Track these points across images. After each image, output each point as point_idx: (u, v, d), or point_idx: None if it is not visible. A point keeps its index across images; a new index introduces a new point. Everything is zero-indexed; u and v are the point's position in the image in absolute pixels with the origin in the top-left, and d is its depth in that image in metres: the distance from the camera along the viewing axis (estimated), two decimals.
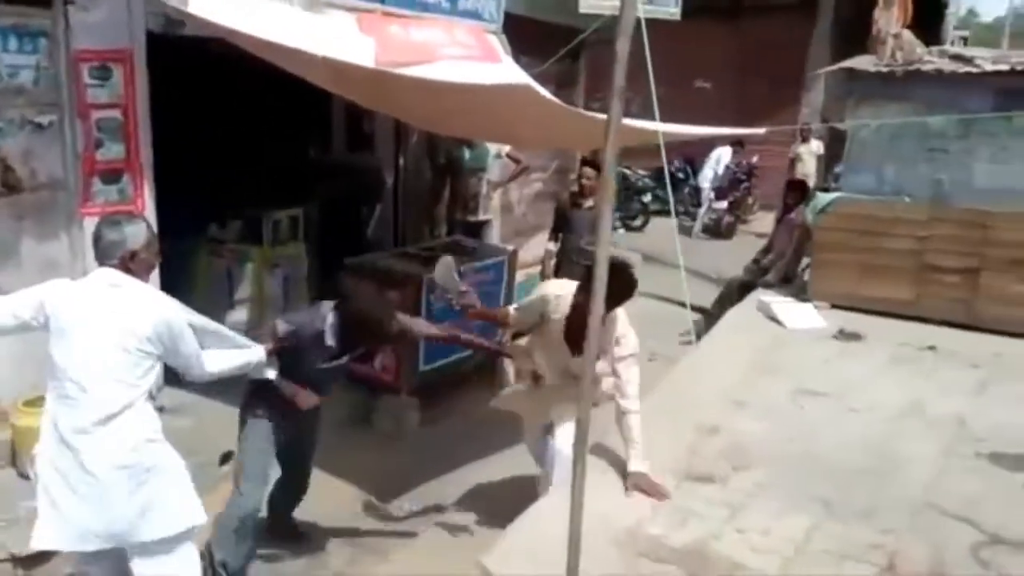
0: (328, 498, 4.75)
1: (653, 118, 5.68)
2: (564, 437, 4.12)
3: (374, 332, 3.84)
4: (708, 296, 9.00)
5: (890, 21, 6.98)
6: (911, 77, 6.79)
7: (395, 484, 5.18)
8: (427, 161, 7.71)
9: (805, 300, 7.11)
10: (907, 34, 7.04)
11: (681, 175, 14.33)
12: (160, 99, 5.05)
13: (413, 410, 5.93)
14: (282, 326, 3.80)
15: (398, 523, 4.87)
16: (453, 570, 3.43)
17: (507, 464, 5.43)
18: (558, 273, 6.49)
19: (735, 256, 8.67)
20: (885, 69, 6.80)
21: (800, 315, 6.76)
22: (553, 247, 6.61)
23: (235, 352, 3.47)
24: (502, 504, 4.94)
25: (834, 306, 7.00)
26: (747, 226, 13.62)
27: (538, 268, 7.26)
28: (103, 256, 3.10)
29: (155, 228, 4.85)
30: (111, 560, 3.25)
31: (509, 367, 7.06)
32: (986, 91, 6.60)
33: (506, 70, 5.57)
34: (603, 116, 4.58)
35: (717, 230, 13.30)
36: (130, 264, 3.10)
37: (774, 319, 6.73)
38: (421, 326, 4.31)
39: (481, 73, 5.28)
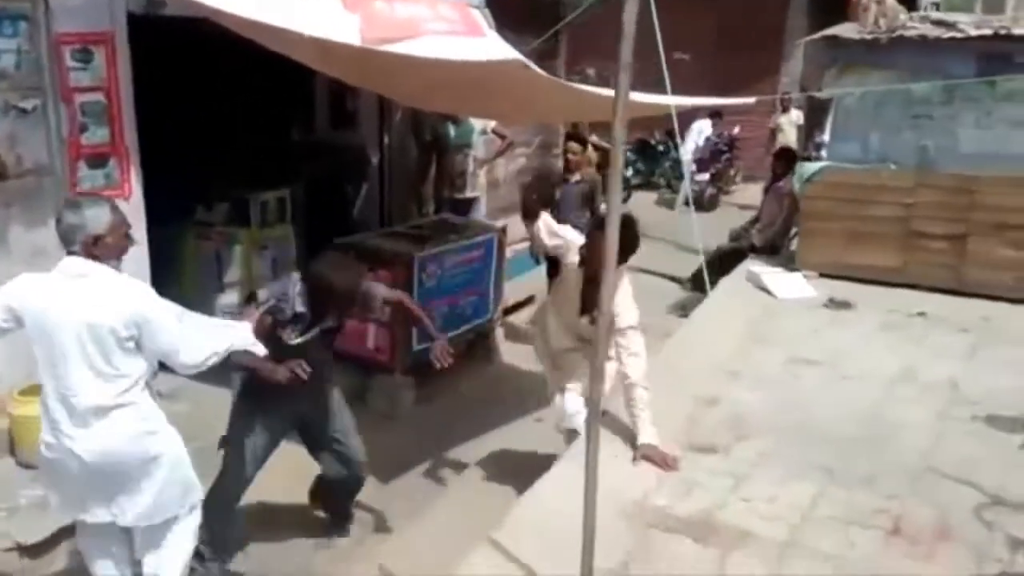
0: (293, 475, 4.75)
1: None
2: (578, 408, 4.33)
3: (339, 297, 3.72)
4: (692, 268, 9.04)
5: None
6: (895, 44, 6.78)
7: (392, 463, 5.18)
8: (412, 139, 7.64)
9: (794, 270, 7.15)
10: (890, 0, 7.04)
11: (662, 148, 14.32)
12: (142, 81, 4.96)
13: (408, 389, 5.92)
14: (263, 295, 3.79)
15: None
16: (462, 545, 3.42)
17: (504, 441, 5.45)
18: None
19: (718, 228, 8.69)
20: (869, 36, 6.80)
21: (790, 285, 6.81)
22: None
23: (219, 336, 3.27)
24: (505, 479, 4.99)
25: (822, 275, 7.06)
26: (729, 197, 13.65)
27: (525, 245, 7.24)
28: (65, 242, 2.99)
29: (143, 212, 4.90)
30: (111, 535, 3.29)
31: (501, 345, 7.09)
32: (969, 56, 6.62)
33: (491, 44, 5.51)
34: (594, 89, 4.61)
35: (700, 202, 13.27)
36: (93, 249, 2.98)
37: (764, 289, 6.77)
38: (380, 289, 4.12)
39: (466, 48, 5.21)
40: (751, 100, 6.02)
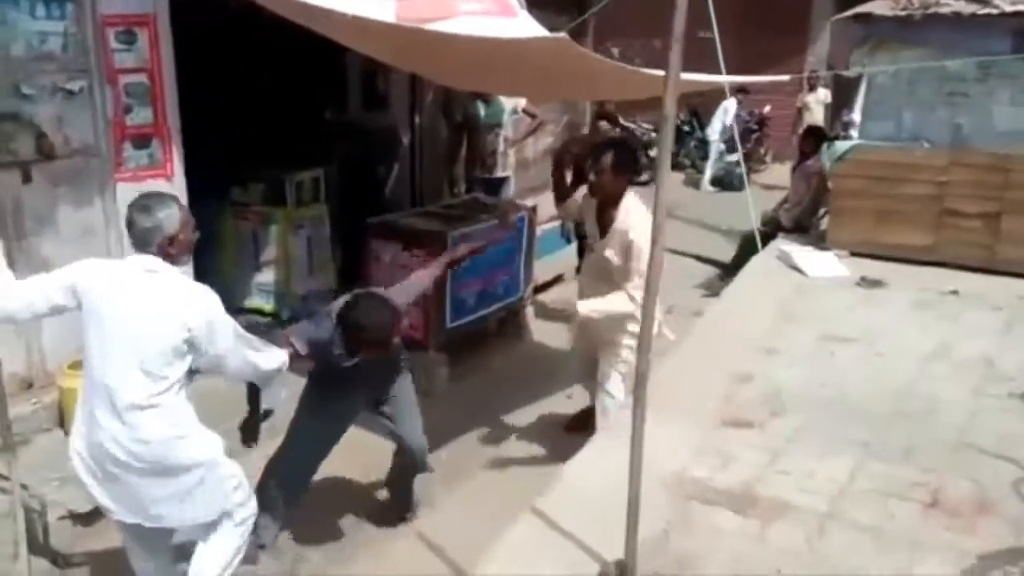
0: (366, 454, 4.82)
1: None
2: (608, 381, 4.54)
3: (374, 342, 3.62)
4: (720, 249, 9.06)
5: None
6: (928, 20, 6.75)
7: (429, 438, 5.25)
8: (443, 119, 7.69)
9: (824, 249, 7.15)
10: None
11: (687, 128, 14.27)
12: (181, 63, 5.04)
13: (443, 366, 5.99)
14: (298, 343, 3.61)
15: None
16: (501, 517, 3.49)
17: (539, 416, 5.52)
18: (578, 229, 6.53)
19: (746, 209, 8.71)
20: (903, 13, 6.77)
21: (821, 263, 6.81)
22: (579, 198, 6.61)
23: (265, 354, 3.27)
24: (540, 453, 5.07)
25: (853, 253, 7.05)
26: (757, 176, 13.54)
27: (556, 224, 7.29)
28: (140, 244, 2.96)
29: (185, 192, 4.98)
30: (151, 537, 3.25)
31: (532, 323, 7.15)
32: (1004, 33, 6.58)
33: (523, 24, 5.54)
34: (640, 69, 4.63)
35: (727, 182, 13.20)
36: (170, 249, 2.97)
37: (795, 268, 6.77)
38: (421, 285, 4.16)
39: (499, 28, 5.25)
40: (785, 77, 6.04)
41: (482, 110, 7.31)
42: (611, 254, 4.39)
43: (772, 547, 3.18)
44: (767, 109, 14.33)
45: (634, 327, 4.29)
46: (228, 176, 6.31)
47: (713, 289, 7.75)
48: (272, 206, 6.24)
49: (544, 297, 7.53)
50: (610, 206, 4.47)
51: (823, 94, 13.07)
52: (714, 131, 13.53)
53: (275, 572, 3.92)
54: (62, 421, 4.53)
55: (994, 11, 6.54)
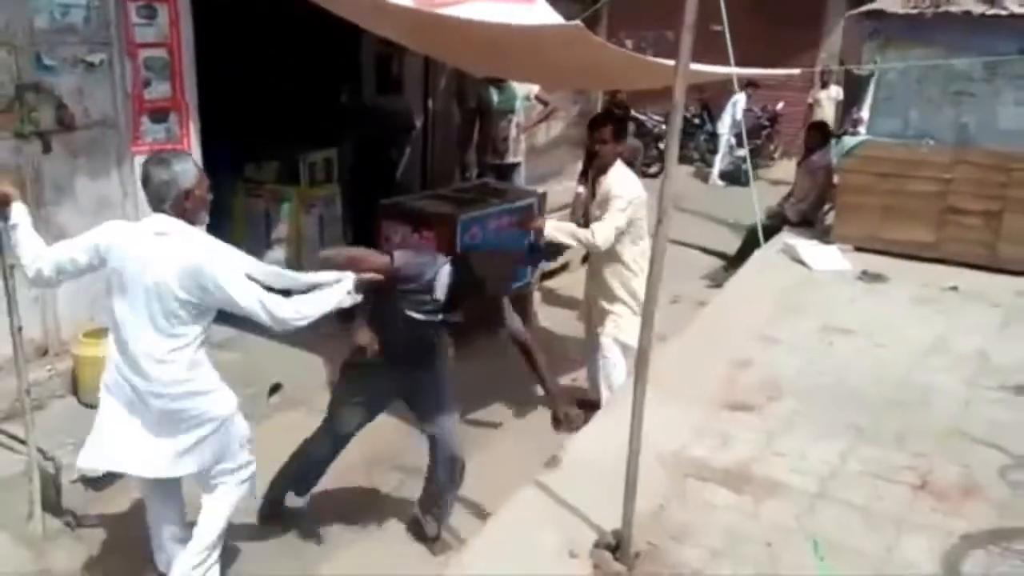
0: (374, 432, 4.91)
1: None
2: (608, 348, 4.85)
3: (484, 300, 3.59)
4: (726, 242, 9.14)
5: None
6: (938, 19, 6.78)
7: None
8: (456, 104, 7.78)
9: (829, 243, 7.24)
10: None
11: (697, 121, 14.30)
12: (199, 39, 5.13)
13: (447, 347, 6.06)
14: (400, 258, 3.52)
15: None
16: (507, 490, 3.58)
17: (542, 400, 5.60)
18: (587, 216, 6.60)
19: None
20: (914, 11, 6.81)
21: (825, 257, 6.90)
22: (583, 190, 6.69)
23: (318, 295, 3.22)
24: (545, 434, 5.13)
25: (857, 248, 7.13)
26: (766, 172, 13.59)
27: (565, 212, 7.36)
28: (156, 200, 3.02)
29: (201, 167, 5.07)
30: (165, 491, 3.40)
31: (538, 309, 7.24)
32: (1013, 34, 6.61)
33: (540, 11, 5.61)
34: (650, 59, 4.71)
35: (736, 177, 13.23)
36: (185, 204, 3.02)
37: (799, 261, 6.86)
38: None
39: (516, 14, 5.33)
40: (795, 71, 6.11)
41: (495, 96, 7.39)
42: (599, 213, 4.68)
43: (763, 522, 3.29)
44: (780, 106, 14.35)
45: (624, 295, 4.78)
46: (242, 153, 6.40)
47: (718, 280, 7.84)
48: (285, 184, 6.34)
49: (551, 284, 7.62)
50: (602, 175, 4.74)
51: (835, 91, 13.09)
52: (724, 125, 13.54)
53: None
54: (76, 388, 4.63)
55: (1003, 12, 6.58)
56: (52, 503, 3.92)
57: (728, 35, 5.80)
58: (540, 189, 7.29)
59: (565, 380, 5.80)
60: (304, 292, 3.26)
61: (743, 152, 13.10)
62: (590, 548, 3.07)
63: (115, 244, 3.01)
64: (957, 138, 6.88)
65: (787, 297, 6.04)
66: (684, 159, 14.18)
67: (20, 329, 3.62)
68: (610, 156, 4.72)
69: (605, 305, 4.89)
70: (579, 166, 6.57)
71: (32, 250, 3.08)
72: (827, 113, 12.60)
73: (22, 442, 3.94)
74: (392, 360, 3.64)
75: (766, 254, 7.19)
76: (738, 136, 13.21)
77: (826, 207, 7.98)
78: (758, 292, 6.19)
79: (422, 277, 3.53)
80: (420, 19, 4.53)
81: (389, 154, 7.65)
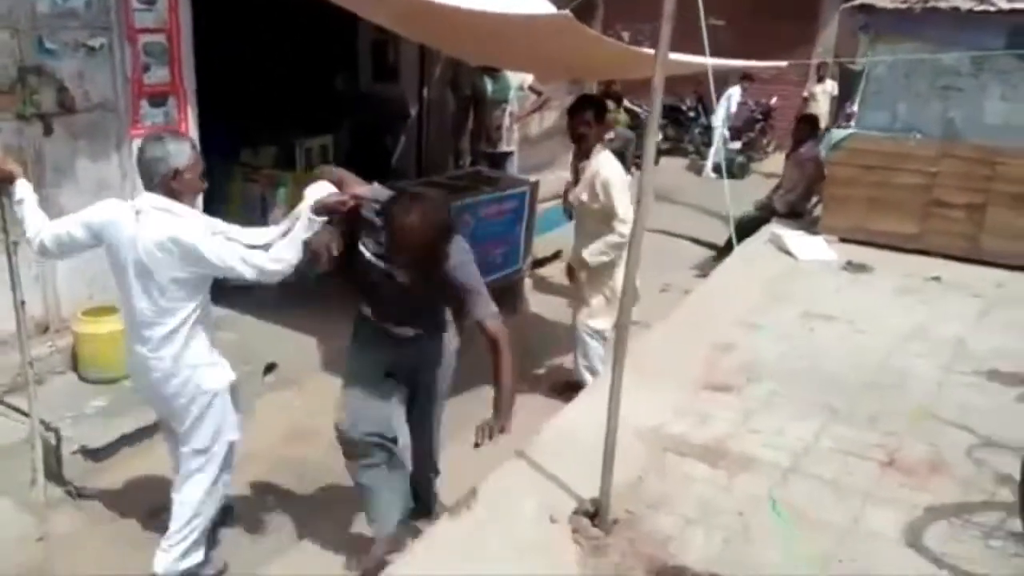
0: None
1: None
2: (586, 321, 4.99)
3: (406, 252, 3.01)
4: (717, 233, 9.24)
5: None
6: (927, 14, 6.90)
7: None
8: (451, 93, 7.88)
9: (815, 233, 7.36)
10: None
11: (693, 114, 14.39)
12: (198, 25, 5.23)
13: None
14: (373, 190, 3.25)
15: None
16: (491, 464, 3.69)
17: (530, 385, 5.71)
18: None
19: (746, 196, 8.89)
20: (903, 5, 6.92)
21: (811, 247, 7.02)
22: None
23: (290, 236, 3.15)
24: (532, 415, 5.24)
25: (843, 239, 7.26)
26: (759, 165, 13.69)
27: (556, 202, 7.46)
28: (147, 177, 3.06)
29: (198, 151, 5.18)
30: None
31: (529, 296, 7.35)
32: (1000, 29, 6.73)
33: (533, 0, 5.71)
34: (636, 48, 4.82)
35: (730, 170, 13.28)
36: (173, 183, 3.03)
37: (785, 251, 6.99)
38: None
39: (511, 3, 5.42)
40: (783, 64, 6.20)
41: (489, 85, 7.50)
42: (585, 196, 4.80)
43: (737, 494, 3.42)
44: (773, 100, 14.44)
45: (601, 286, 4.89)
46: (239, 138, 6.50)
47: (706, 270, 7.94)
48: (282, 169, 6.44)
49: (543, 271, 7.73)
50: (586, 160, 4.86)
51: (830, 85, 13.16)
52: (718, 118, 13.61)
53: None
54: (75, 364, 4.75)
55: (991, 8, 6.69)
56: (53, 472, 4.03)
57: (704, 26, 5.81)
58: (533, 178, 7.41)
59: (553, 365, 5.93)
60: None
61: (736, 145, 13.28)
62: (569, 514, 3.20)
63: (108, 222, 3.10)
64: (944, 132, 7.01)
65: (771, 286, 6.16)
66: (679, 151, 14.31)
67: (23, 304, 3.72)
68: (596, 139, 4.84)
69: (584, 294, 5.00)
70: (571, 156, 6.66)
71: (36, 224, 3.20)
72: (822, 107, 12.69)
73: (24, 414, 4.05)
74: (383, 319, 3.39)
75: (753, 244, 7.32)
76: (731, 129, 13.36)
77: (814, 199, 8.10)
78: (744, 280, 6.32)
79: (379, 211, 3.13)
80: (414, 6, 4.62)
81: (384, 141, 7.76)
